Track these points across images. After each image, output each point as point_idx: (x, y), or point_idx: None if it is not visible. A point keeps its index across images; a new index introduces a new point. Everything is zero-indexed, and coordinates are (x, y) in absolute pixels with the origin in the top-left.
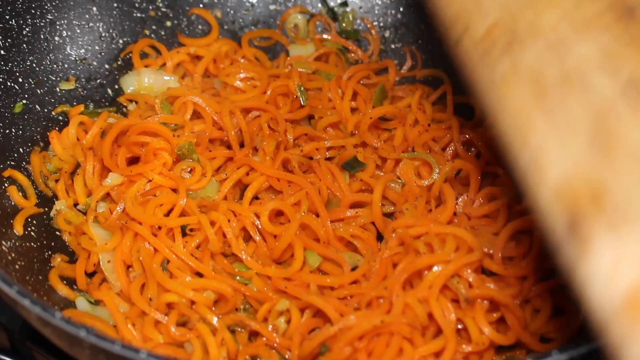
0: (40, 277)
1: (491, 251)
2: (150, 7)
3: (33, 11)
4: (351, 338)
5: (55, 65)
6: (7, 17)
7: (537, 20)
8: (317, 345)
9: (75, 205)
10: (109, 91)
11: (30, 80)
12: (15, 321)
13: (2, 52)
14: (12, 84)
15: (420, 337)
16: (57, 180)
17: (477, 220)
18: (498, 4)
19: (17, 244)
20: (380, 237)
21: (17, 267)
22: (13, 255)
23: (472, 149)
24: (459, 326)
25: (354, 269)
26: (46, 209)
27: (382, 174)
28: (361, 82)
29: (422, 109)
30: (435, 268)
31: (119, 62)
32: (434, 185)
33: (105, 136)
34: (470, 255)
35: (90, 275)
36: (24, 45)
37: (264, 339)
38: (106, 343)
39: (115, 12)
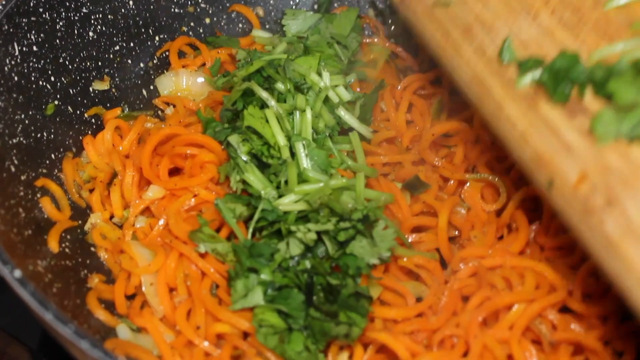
0: (77, 301)
1: (570, 287)
2: (189, 3)
3: (68, 4)
4: None
5: (88, 63)
6: (41, 10)
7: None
8: None
9: (111, 218)
10: (144, 92)
11: (63, 79)
12: (32, 337)
13: (35, 47)
14: (44, 83)
15: None
16: (91, 190)
17: (551, 252)
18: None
19: (53, 263)
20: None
21: (54, 290)
22: (50, 276)
23: None
24: None
25: (418, 300)
26: (80, 221)
27: (445, 195)
28: (416, 93)
29: (484, 124)
30: (515, 306)
31: (155, 61)
32: (505, 211)
33: (144, 144)
34: (556, 295)
35: (130, 296)
36: (57, 41)
37: None
38: None
39: (152, 7)
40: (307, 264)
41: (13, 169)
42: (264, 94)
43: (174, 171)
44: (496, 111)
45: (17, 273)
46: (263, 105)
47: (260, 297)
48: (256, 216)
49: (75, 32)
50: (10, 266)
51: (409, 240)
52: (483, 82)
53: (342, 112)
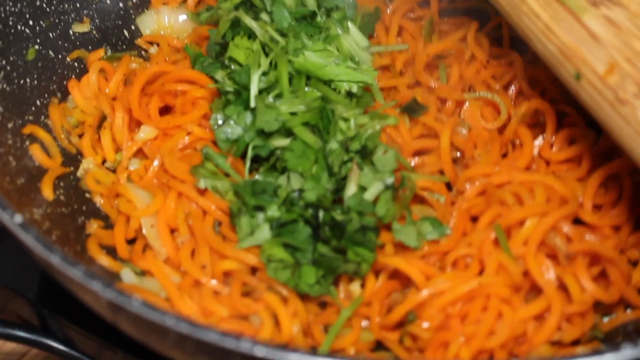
0: (78, 248)
1: (580, 199)
2: None
3: None
4: (443, 304)
5: (66, 5)
6: None
7: None
8: (404, 314)
9: (103, 162)
10: (126, 32)
11: (42, 22)
12: (31, 289)
13: None
14: (23, 27)
15: (519, 298)
16: (80, 136)
17: (557, 166)
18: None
19: (49, 210)
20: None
21: (53, 238)
22: (47, 224)
23: (535, 87)
24: None
25: None
26: (72, 168)
27: (444, 117)
28: (405, 16)
29: (478, 43)
30: (527, 221)
31: (135, 0)
32: (508, 128)
33: (132, 84)
34: (568, 207)
35: (131, 241)
36: None
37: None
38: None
39: None
40: (311, 196)
41: None
42: (252, 23)
43: (165, 110)
44: (517, 4)
45: (18, 218)
46: (251, 35)
47: (268, 234)
48: (249, 154)
49: None
50: (10, 212)
51: (412, 164)
52: None
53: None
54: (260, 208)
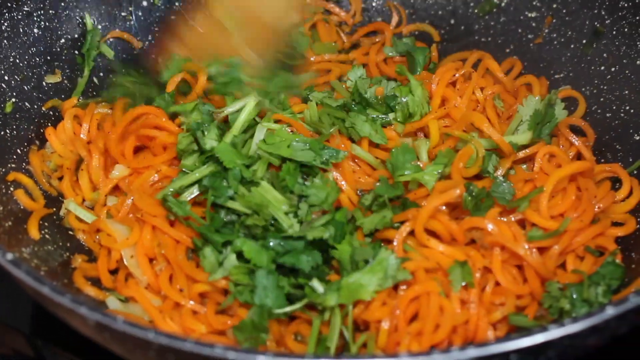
0: (65, 281)
1: None
2: None
3: (9, 4)
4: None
5: (38, 59)
6: None
7: None
8: None
9: (83, 201)
10: (95, 80)
11: (16, 77)
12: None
13: None
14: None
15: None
16: (60, 178)
17: None
18: None
19: (36, 249)
20: None
21: (42, 273)
22: (35, 261)
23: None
24: None
25: None
26: (54, 208)
27: None
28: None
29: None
30: None
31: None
32: None
33: (114, 126)
34: None
35: (113, 271)
36: (5, 42)
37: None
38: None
39: None
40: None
41: None
42: None
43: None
44: None
45: (9, 256)
46: None
47: (235, 262)
48: (209, 201)
49: (21, 30)
50: (1, 251)
51: None
52: None
53: None
54: (227, 243)
